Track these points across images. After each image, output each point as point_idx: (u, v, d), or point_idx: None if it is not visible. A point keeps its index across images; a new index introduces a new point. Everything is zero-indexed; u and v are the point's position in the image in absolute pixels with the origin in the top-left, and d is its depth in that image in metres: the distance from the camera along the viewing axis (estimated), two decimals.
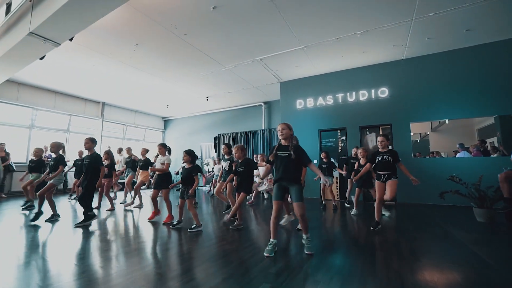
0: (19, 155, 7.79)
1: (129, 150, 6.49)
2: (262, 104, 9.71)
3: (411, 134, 6.32)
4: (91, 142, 3.96)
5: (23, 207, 5.07)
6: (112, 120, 10.42)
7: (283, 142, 2.71)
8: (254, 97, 9.36)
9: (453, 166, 5.68)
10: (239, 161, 3.74)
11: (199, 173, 3.75)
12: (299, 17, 4.64)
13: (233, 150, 3.81)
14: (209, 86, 8.14)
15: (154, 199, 4.24)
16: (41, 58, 5.33)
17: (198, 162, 7.96)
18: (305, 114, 7.46)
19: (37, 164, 5.13)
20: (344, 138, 6.96)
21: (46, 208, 4.18)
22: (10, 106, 7.75)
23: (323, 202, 5.66)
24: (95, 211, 4.82)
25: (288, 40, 5.47)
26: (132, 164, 6.24)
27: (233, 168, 3.93)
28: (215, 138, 10.23)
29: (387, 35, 5.24)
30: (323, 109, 7.24)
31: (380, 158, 3.51)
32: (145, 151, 5.54)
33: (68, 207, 5.54)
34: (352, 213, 4.80)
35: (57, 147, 4.26)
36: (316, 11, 4.48)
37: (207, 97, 9.14)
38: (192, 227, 3.46)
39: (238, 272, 2.09)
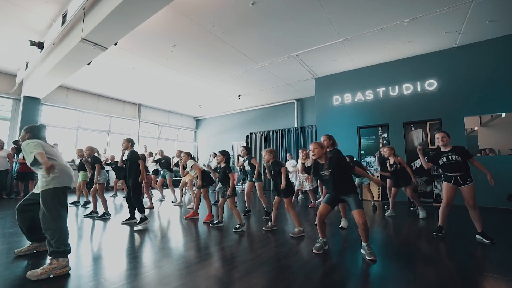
0: (69, 155, 8.41)
1: (161, 152, 6.71)
2: (295, 101, 9.48)
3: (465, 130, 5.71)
4: (127, 142, 4.06)
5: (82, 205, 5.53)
6: (147, 121, 10.87)
7: (320, 161, 2.65)
8: (286, 95, 9.17)
9: None
10: (269, 163, 3.60)
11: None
12: (342, 8, 4.37)
13: (263, 153, 3.74)
14: (241, 84, 8.12)
15: (199, 199, 4.32)
16: (89, 64, 5.67)
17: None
18: (342, 111, 7.12)
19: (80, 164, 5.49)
20: (386, 135, 6.52)
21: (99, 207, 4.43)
22: (60, 110, 8.40)
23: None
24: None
25: (327, 34, 5.22)
26: (167, 165, 6.47)
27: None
28: (247, 137, 10.22)
29: (439, 21, 4.76)
30: (362, 105, 6.85)
31: (445, 159, 3.08)
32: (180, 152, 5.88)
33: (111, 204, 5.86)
34: (386, 214, 4.50)
35: (91, 150, 4.62)
36: (360, 0, 4.19)
37: (239, 95, 9.14)
38: (237, 226, 3.41)
39: (299, 279, 1.97)
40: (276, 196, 3.45)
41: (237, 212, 3.47)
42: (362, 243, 2.46)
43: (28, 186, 6.71)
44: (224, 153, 3.79)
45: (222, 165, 3.70)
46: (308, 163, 2.97)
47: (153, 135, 11.26)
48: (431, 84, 5.97)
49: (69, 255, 2.16)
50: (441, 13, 4.51)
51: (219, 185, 3.70)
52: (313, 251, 2.52)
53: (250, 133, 10.24)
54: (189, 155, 4.52)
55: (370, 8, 4.39)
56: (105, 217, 4.26)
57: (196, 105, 10.68)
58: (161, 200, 6.46)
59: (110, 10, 3.43)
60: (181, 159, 4.72)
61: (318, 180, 5.45)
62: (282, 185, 3.27)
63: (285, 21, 4.78)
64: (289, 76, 7.46)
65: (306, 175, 5.63)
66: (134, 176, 3.88)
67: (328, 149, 3.31)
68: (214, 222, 3.73)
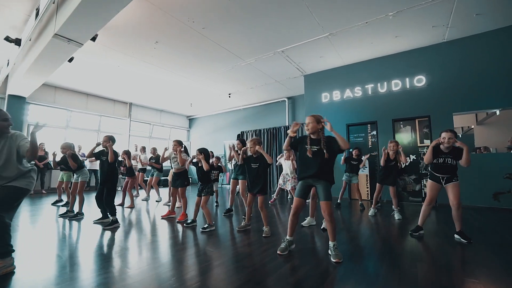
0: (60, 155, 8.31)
1: (154, 150, 6.56)
2: (286, 99, 9.36)
3: (453, 127, 5.57)
4: (108, 139, 3.86)
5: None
6: (139, 120, 10.78)
7: (312, 136, 2.49)
8: (277, 93, 9.05)
9: (510, 162, 4.86)
10: (254, 156, 3.24)
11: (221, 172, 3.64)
12: (323, 1, 4.25)
13: (248, 144, 3.26)
14: (230, 82, 8.00)
15: (174, 197, 4.19)
16: (70, 61, 5.58)
17: (222, 160, 7.86)
18: (331, 108, 6.99)
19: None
20: (374, 132, 6.38)
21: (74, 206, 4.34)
22: (48, 108, 8.31)
23: (338, 201, 5.39)
24: (118, 207, 4.91)
25: (311, 28, 5.09)
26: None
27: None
28: (238, 136, 10.10)
29: (425, 14, 4.63)
30: (350, 102, 6.72)
31: (441, 160, 2.91)
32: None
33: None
34: (369, 213, 4.36)
35: (68, 147, 4.37)
36: None
37: (229, 94, 9.03)
38: (205, 226, 3.31)
39: (252, 280, 1.85)
40: (249, 194, 3.30)
41: (207, 212, 3.37)
42: (330, 242, 2.34)
43: None
44: (204, 151, 3.66)
45: (203, 163, 3.55)
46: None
47: (145, 134, 11.16)
48: (420, 80, 5.83)
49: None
50: (426, 6, 4.38)
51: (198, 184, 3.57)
52: (278, 252, 2.40)
53: (241, 132, 10.13)
54: (180, 144, 4.20)
55: (353, 1, 4.26)
56: (78, 217, 4.15)
57: (188, 104, 10.58)
58: (146, 200, 6.36)
59: (77, 3, 3.32)
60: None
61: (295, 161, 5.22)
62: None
63: (267, 16, 4.66)
64: (277, 73, 7.34)
65: (292, 175, 5.53)
66: (112, 177, 3.75)
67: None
68: (188, 221, 3.62)
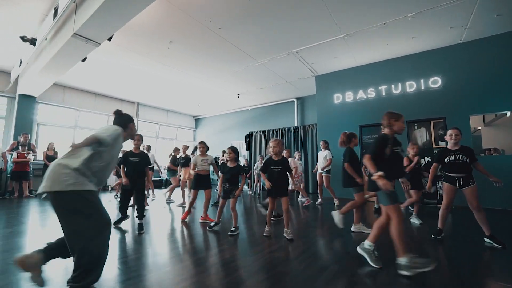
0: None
1: (185, 148, 6.02)
2: (295, 100, 9.32)
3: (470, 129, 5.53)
4: (140, 138, 3.74)
5: None
6: (146, 120, 10.74)
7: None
8: (286, 93, 9.01)
9: None
10: (275, 159, 3.14)
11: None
12: (344, 2, 4.21)
13: (270, 144, 3.15)
14: (241, 82, 7.97)
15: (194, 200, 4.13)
16: (83, 60, 5.53)
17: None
18: (343, 109, 6.96)
19: None
20: None
21: None
22: (57, 108, 8.27)
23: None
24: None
25: (328, 29, 5.05)
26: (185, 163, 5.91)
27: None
28: (246, 136, 10.06)
29: (444, 15, 4.59)
30: (364, 103, 6.68)
31: (452, 158, 2.92)
32: (186, 147, 5.58)
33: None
34: (415, 222, 4.11)
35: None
36: None
37: (238, 94, 8.99)
38: (232, 230, 3.25)
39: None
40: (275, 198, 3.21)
41: (236, 215, 3.32)
42: (365, 242, 2.31)
43: (22, 185, 6.59)
44: (235, 150, 3.46)
45: (232, 164, 3.42)
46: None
47: (152, 134, 11.12)
48: (435, 82, 5.79)
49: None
50: (447, 7, 4.34)
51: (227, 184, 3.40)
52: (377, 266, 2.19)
53: (249, 132, 10.09)
54: (206, 145, 4.11)
55: (373, 2, 4.22)
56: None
57: (195, 104, 10.54)
58: (169, 202, 6.02)
59: (101, 3, 3.28)
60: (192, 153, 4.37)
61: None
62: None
63: (285, 17, 4.63)
64: (289, 74, 7.30)
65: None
66: (143, 178, 3.63)
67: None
68: (211, 224, 3.56)
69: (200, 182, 3.87)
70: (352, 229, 3.44)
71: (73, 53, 4.57)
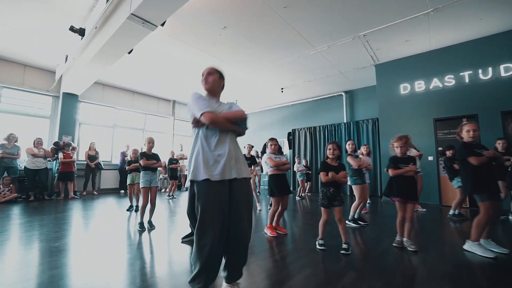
0: (105, 154, 8.06)
1: (250, 148, 5.76)
2: (343, 93, 8.47)
3: None
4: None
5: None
6: (182, 118, 10.38)
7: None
8: (334, 86, 8.20)
9: None
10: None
11: None
12: None
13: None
14: (288, 75, 7.29)
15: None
16: (129, 52, 5.14)
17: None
18: (412, 101, 6.04)
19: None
20: None
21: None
22: (96, 107, 8.07)
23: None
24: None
25: (413, 4, 4.23)
26: None
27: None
28: (289, 134, 9.34)
29: None
30: (439, 93, 5.72)
31: None
32: (251, 147, 5.13)
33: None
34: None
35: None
36: None
37: (282, 88, 8.31)
38: (344, 246, 2.50)
39: None
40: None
41: (344, 227, 2.56)
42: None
43: (67, 186, 6.37)
44: (339, 146, 2.71)
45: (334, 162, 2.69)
46: None
47: (187, 133, 10.75)
48: None
49: None
50: None
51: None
52: None
53: (292, 130, 9.36)
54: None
55: None
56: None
57: (232, 100, 10.01)
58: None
59: None
60: None
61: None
62: None
63: None
64: (345, 63, 6.51)
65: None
66: None
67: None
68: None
69: (283, 185, 3.19)
70: (465, 247, 2.55)
71: (127, 38, 4.11)
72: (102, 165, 7.55)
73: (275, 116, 10.43)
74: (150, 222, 3.44)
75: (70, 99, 7.07)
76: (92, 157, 7.24)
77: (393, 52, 5.94)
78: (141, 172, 3.47)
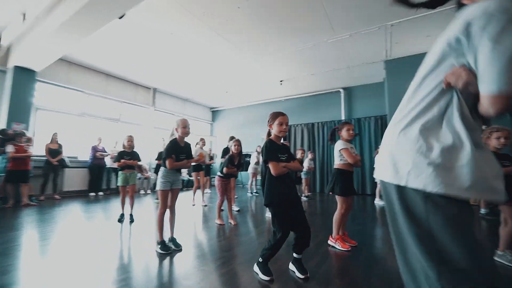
0: (70, 148, 6.54)
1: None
2: (341, 90, 8.21)
3: None
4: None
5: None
6: (162, 109, 9.10)
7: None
8: (332, 82, 7.88)
9: None
10: None
11: None
12: None
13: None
14: (292, 65, 6.71)
15: None
16: (121, 17, 4.08)
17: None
18: None
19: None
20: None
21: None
22: (60, 89, 6.48)
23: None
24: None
25: None
26: None
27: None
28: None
29: None
30: None
31: None
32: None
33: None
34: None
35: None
36: None
37: (281, 81, 7.72)
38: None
39: None
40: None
41: None
42: None
43: (20, 190, 4.88)
44: None
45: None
46: None
47: (167, 127, 9.48)
48: None
49: None
50: None
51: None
52: None
53: (289, 125, 8.83)
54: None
55: None
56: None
57: (217, 93, 9.10)
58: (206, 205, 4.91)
59: None
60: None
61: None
62: None
63: None
64: (357, 56, 6.18)
65: None
66: None
67: None
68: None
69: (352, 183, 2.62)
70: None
71: None
72: (66, 162, 6.08)
73: (264, 112, 9.73)
74: (173, 240, 2.54)
75: (24, 76, 5.46)
76: (54, 152, 5.75)
77: (411, 46, 5.73)
78: (162, 171, 2.53)
